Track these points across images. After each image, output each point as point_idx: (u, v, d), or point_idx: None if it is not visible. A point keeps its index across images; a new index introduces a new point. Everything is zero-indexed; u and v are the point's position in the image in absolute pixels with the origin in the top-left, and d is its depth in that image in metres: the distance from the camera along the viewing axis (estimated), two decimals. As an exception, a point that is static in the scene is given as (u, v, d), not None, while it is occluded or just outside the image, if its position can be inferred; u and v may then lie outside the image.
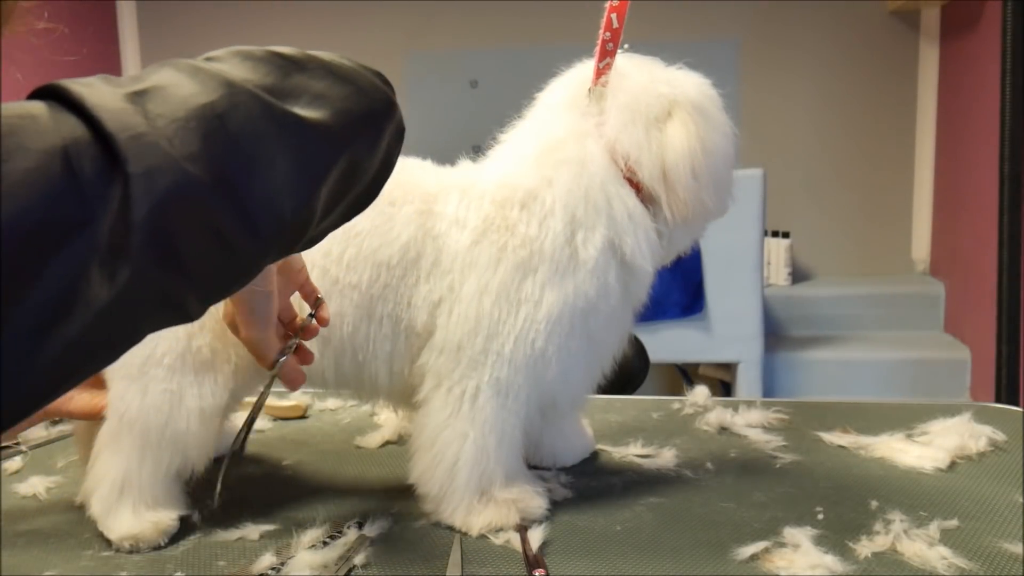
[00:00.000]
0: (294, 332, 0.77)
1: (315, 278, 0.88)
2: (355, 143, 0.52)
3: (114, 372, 0.88)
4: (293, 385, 0.76)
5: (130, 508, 0.86)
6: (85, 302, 0.39)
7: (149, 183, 0.41)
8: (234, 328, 0.75)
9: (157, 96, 0.44)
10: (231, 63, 0.50)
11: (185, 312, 0.47)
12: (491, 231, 0.87)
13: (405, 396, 0.93)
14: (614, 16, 0.88)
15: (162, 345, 0.86)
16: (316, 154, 0.50)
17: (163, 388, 0.86)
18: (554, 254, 0.86)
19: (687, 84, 0.91)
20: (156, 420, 0.86)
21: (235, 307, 0.73)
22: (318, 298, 0.79)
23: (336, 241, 0.88)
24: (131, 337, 0.45)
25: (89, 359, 0.43)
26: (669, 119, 0.89)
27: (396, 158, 0.59)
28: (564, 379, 0.90)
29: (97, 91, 0.43)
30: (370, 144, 0.54)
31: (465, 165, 0.96)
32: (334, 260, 0.88)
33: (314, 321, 0.78)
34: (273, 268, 0.71)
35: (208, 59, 0.51)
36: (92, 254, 0.39)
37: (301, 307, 0.81)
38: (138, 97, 0.44)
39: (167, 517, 0.87)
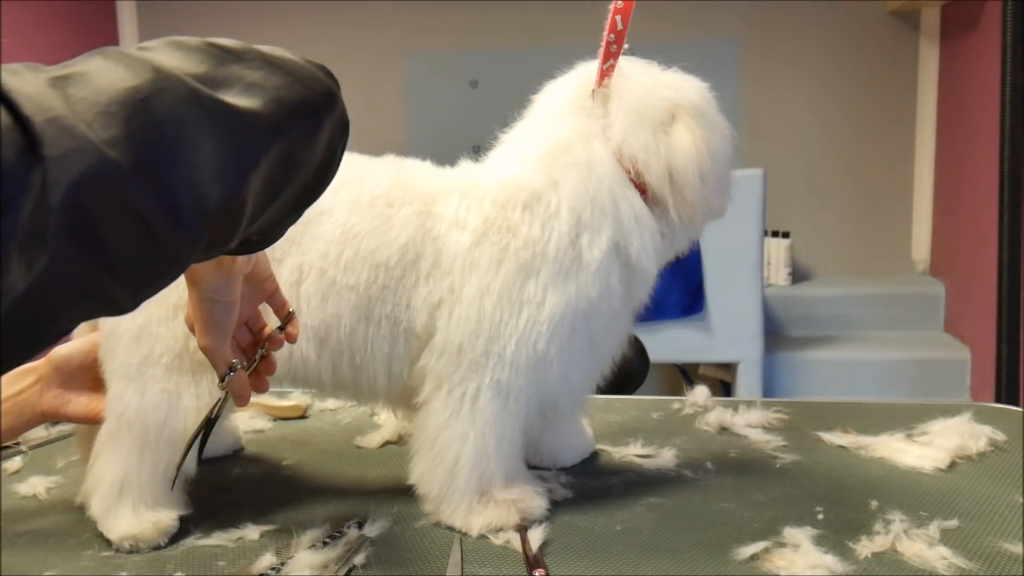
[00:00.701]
0: (261, 343, 0.76)
1: (312, 279, 0.88)
2: (290, 132, 0.51)
3: (113, 372, 0.88)
4: (240, 401, 0.76)
5: (130, 508, 0.86)
6: (3, 290, 0.39)
7: (66, 166, 0.40)
8: (192, 332, 0.75)
9: (80, 80, 0.44)
10: (164, 52, 0.49)
11: (113, 303, 0.46)
12: (492, 232, 0.87)
13: (404, 398, 0.93)
14: (619, 18, 0.88)
15: (160, 345, 0.86)
16: (245, 142, 0.49)
17: (161, 388, 0.86)
18: (558, 255, 0.86)
19: (688, 88, 0.92)
20: (154, 420, 0.86)
21: (195, 313, 0.72)
22: (290, 312, 0.78)
23: (333, 242, 0.88)
24: (54, 327, 0.44)
25: (11, 349, 0.42)
26: (673, 122, 0.89)
27: (341, 152, 0.58)
28: (565, 381, 0.90)
29: (19, 76, 0.42)
30: (307, 134, 0.53)
31: (465, 166, 0.96)
32: (331, 261, 0.88)
33: (282, 334, 0.78)
34: (238, 278, 0.70)
35: (142, 48, 0.50)
36: (11, 240, 0.39)
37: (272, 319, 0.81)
38: (60, 82, 0.43)
39: (167, 517, 0.87)
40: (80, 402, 0.92)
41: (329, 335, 0.89)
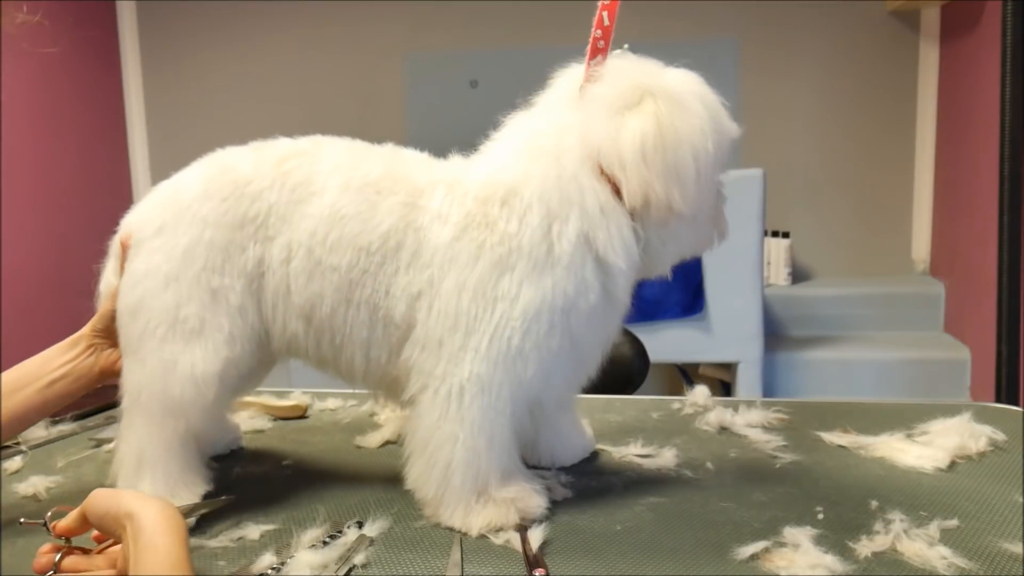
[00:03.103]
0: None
1: (300, 258, 0.90)
2: None
3: (123, 349, 0.92)
4: None
5: (148, 486, 0.89)
6: None
7: None
8: None
9: None
10: None
11: None
12: (472, 228, 0.87)
13: (384, 385, 0.94)
14: (605, 14, 0.88)
15: (155, 317, 0.89)
16: None
17: (158, 358, 0.89)
18: (532, 250, 0.86)
19: (671, 76, 0.89)
20: (155, 389, 0.89)
21: None
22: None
23: (321, 222, 0.89)
24: None
25: None
26: (637, 106, 0.87)
27: None
28: (546, 378, 0.90)
29: None
30: None
31: (455, 161, 0.96)
32: (318, 241, 0.89)
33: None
34: None
35: None
36: None
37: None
38: None
39: (186, 495, 0.89)
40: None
41: (313, 313, 0.90)
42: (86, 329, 0.98)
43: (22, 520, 0.78)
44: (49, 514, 0.75)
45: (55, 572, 0.73)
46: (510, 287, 0.86)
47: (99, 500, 0.72)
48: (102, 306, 0.97)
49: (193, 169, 0.95)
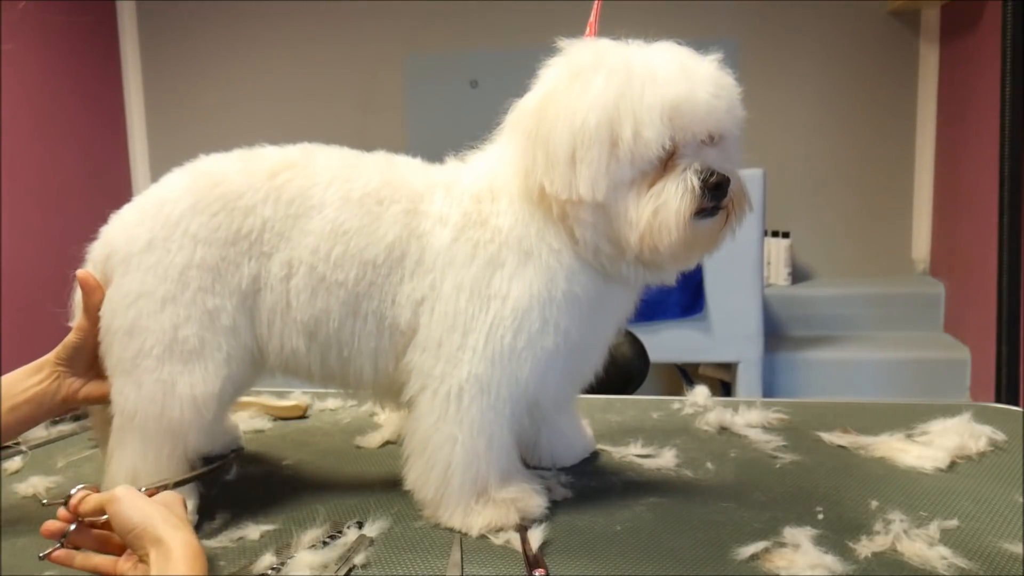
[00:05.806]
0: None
1: (302, 275, 0.89)
2: None
3: (112, 368, 0.90)
4: None
5: None
6: None
7: None
8: None
9: None
10: None
11: None
12: (469, 227, 0.87)
13: (391, 392, 0.94)
14: (591, 12, 0.90)
15: (151, 337, 0.87)
16: None
17: (155, 378, 0.87)
18: (517, 244, 0.86)
19: (614, 51, 0.84)
20: (152, 410, 0.87)
21: None
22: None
23: (324, 238, 0.88)
24: None
25: None
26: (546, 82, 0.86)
27: None
28: (542, 378, 0.89)
29: None
30: None
31: (452, 163, 0.96)
32: (322, 258, 0.88)
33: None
34: None
35: None
36: None
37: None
38: None
39: None
40: (91, 385, 0.95)
41: (318, 329, 0.89)
42: (50, 356, 0.95)
43: (44, 501, 0.79)
44: (74, 492, 0.77)
45: (63, 541, 0.77)
46: (501, 284, 0.86)
47: (128, 511, 0.73)
48: (68, 337, 0.94)
49: (177, 179, 0.92)
